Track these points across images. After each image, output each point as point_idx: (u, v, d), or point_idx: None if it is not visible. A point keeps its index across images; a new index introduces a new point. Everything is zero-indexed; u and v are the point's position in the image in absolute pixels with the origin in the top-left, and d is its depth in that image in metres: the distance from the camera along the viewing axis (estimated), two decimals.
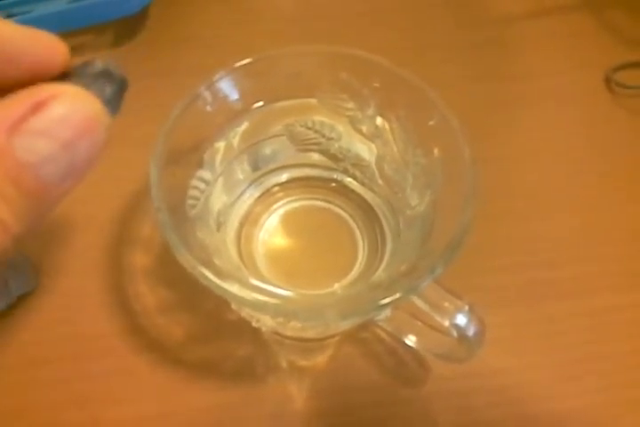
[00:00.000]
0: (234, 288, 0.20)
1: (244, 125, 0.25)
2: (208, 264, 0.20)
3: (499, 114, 0.33)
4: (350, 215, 0.27)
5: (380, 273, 0.25)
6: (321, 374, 0.26)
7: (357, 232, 0.27)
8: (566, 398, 0.26)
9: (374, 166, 0.26)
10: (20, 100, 0.11)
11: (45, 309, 0.27)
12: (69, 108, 0.11)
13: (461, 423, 0.26)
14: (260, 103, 0.25)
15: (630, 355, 0.27)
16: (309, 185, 0.27)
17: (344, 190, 0.27)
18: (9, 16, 0.32)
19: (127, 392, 0.26)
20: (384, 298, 0.20)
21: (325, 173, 0.27)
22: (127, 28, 0.35)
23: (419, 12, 0.36)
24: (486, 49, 0.35)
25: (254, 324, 0.24)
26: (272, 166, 0.27)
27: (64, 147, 0.11)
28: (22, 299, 0.27)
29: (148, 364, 0.26)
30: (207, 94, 0.23)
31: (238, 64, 0.23)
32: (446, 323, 0.21)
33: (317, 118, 0.26)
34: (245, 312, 0.23)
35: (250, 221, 0.26)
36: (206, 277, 0.19)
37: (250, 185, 0.27)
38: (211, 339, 0.27)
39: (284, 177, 0.27)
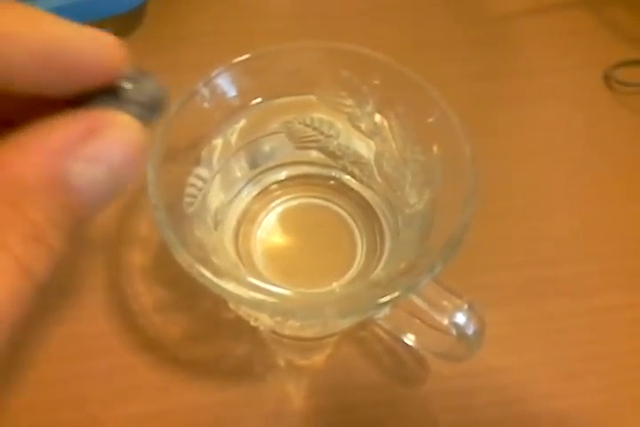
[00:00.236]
0: (231, 287, 0.20)
1: (242, 122, 0.25)
2: (205, 263, 0.20)
3: (498, 112, 0.33)
4: (349, 213, 0.27)
5: (378, 272, 0.24)
6: (319, 373, 0.26)
7: (356, 230, 0.27)
8: (566, 396, 0.26)
9: (373, 164, 0.26)
10: (76, 124, 0.11)
11: (43, 308, 0.27)
12: (120, 138, 0.12)
13: (461, 422, 0.25)
14: (259, 100, 0.25)
15: (631, 354, 0.27)
16: (308, 183, 0.27)
17: (343, 188, 0.27)
18: None
19: (126, 391, 0.25)
20: (383, 297, 0.19)
21: (324, 171, 0.27)
22: (125, 24, 0.35)
23: (418, 10, 0.36)
24: (486, 46, 0.35)
25: (252, 323, 0.24)
26: (270, 164, 0.27)
27: (110, 172, 0.12)
28: None
29: (147, 363, 0.26)
30: (205, 91, 0.23)
31: (236, 60, 0.23)
32: (445, 322, 0.21)
33: (316, 115, 0.26)
34: (243, 311, 0.23)
35: (248, 219, 0.26)
36: (203, 276, 0.19)
37: (248, 183, 0.26)
38: (209, 338, 0.26)
39: (282, 175, 0.27)
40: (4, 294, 0.10)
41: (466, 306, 0.21)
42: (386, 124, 0.25)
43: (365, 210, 0.27)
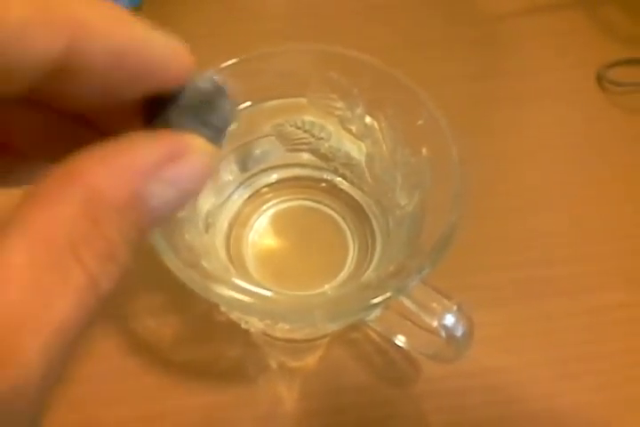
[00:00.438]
0: (221, 291, 0.20)
1: (233, 125, 0.25)
2: (195, 267, 0.20)
3: (492, 112, 0.33)
4: (340, 215, 0.27)
5: (369, 273, 0.25)
6: (312, 375, 0.26)
7: (348, 232, 0.27)
8: (562, 396, 0.26)
9: (364, 166, 0.26)
10: (161, 147, 0.12)
11: None
12: (198, 163, 0.12)
13: (454, 423, 0.26)
14: (249, 103, 0.25)
15: (626, 353, 0.27)
16: (299, 185, 0.27)
17: (334, 190, 0.27)
18: None
19: (118, 394, 0.26)
20: (372, 299, 0.20)
21: (315, 173, 0.27)
22: None
23: (413, 10, 0.36)
24: (480, 47, 0.35)
25: (243, 325, 0.24)
26: (261, 167, 0.27)
27: (183, 195, 0.12)
28: None
29: (139, 366, 0.26)
30: None
31: (225, 64, 0.23)
32: (434, 324, 0.21)
33: (307, 118, 0.26)
34: (234, 314, 0.23)
35: (239, 222, 0.26)
36: (193, 280, 0.19)
37: (239, 186, 0.26)
38: (201, 341, 0.26)
39: (273, 177, 0.27)
40: (72, 307, 0.10)
41: (455, 308, 0.21)
42: (376, 126, 0.25)
43: (357, 212, 0.27)
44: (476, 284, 0.27)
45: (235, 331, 0.26)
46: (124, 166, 0.11)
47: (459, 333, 0.21)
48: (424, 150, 0.23)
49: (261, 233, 0.27)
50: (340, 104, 0.25)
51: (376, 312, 0.23)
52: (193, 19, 0.36)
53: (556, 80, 0.34)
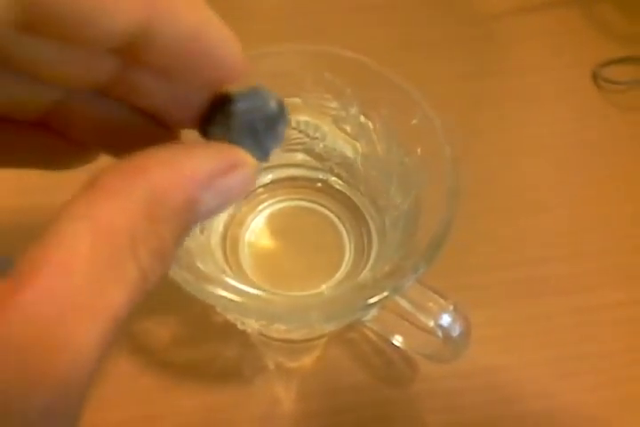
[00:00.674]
0: (216, 292, 0.20)
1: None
2: (190, 268, 0.20)
3: (487, 111, 0.33)
4: (336, 215, 0.27)
5: (366, 273, 0.25)
6: (309, 376, 0.26)
7: (344, 232, 0.27)
8: (557, 395, 0.26)
9: (359, 165, 0.26)
10: (221, 160, 0.13)
11: None
12: (246, 179, 0.13)
13: (451, 423, 0.26)
14: None
15: (623, 353, 0.27)
16: (294, 185, 0.27)
17: (329, 190, 0.27)
18: None
19: (115, 395, 0.25)
20: (367, 299, 0.20)
21: (310, 173, 0.27)
22: None
23: (407, 10, 0.36)
24: (475, 46, 0.35)
25: (240, 326, 0.24)
26: None
27: (224, 204, 0.13)
28: None
29: (136, 367, 0.26)
30: None
31: None
32: (431, 323, 0.21)
33: (301, 118, 0.26)
34: (230, 315, 0.23)
35: (235, 222, 0.26)
36: (188, 282, 0.19)
37: None
38: (198, 341, 0.26)
39: (268, 178, 0.27)
40: (124, 299, 0.11)
41: (451, 307, 0.21)
42: (371, 125, 0.25)
43: (352, 212, 0.27)
44: (472, 283, 0.27)
45: (231, 332, 0.26)
46: (185, 172, 0.12)
47: (455, 332, 0.21)
48: (419, 150, 0.23)
49: (257, 234, 0.26)
50: (334, 104, 0.25)
51: (373, 312, 0.23)
52: None
53: (552, 79, 0.34)
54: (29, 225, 0.28)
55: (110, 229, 0.11)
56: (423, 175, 0.23)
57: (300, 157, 0.26)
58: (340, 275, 0.25)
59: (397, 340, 0.24)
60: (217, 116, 0.14)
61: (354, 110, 0.25)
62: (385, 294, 0.20)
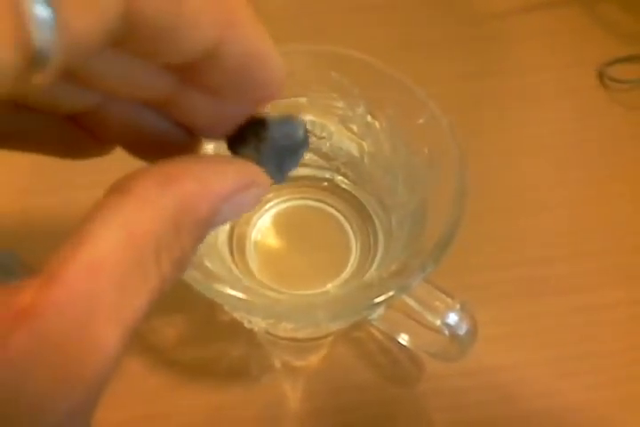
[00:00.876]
0: (224, 290, 0.20)
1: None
2: (198, 267, 0.20)
3: (491, 110, 0.33)
4: (343, 214, 0.27)
5: (372, 272, 0.25)
6: (315, 374, 0.26)
7: (350, 231, 0.27)
8: (562, 394, 0.26)
9: (366, 165, 0.26)
10: (243, 177, 0.13)
11: None
12: (260, 196, 0.14)
13: (456, 421, 0.26)
14: None
15: (625, 351, 0.27)
16: (301, 185, 0.27)
17: (336, 189, 0.27)
18: None
19: (122, 394, 0.25)
20: (375, 298, 0.20)
21: (317, 172, 0.27)
22: None
23: (410, 10, 0.36)
24: (479, 45, 0.35)
25: (246, 325, 0.24)
26: None
27: (236, 216, 0.14)
28: None
29: (142, 366, 0.26)
30: None
31: None
32: (438, 322, 0.21)
33: (308, 118, 0.26)
34: (237, 314, 0.23)
35: (241, 221, 0.26)
36: (196, 280, 0.19)
37: None
38: (204, 340, 0.27)
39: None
40: (144, 305, 0.11)
41: (458, 306, 0.21)
42: (377, 125, 0.25)
43: (359, 211, 0.27)
44: (476, 282, 0.27)
45: (238, 330, 0.26)
46: (213, 186, 0.12)
47: (462, 331, 0.21)
48: (425, 149, 0.23)
49: (264, 233, 0.27)
50: (340, 104, 0.25)
51: (379, 311, 0.23)
52: None
53: (557, 78, 0.34)
54: (29, 225, 0.29)
55: (139, 235, 0.11)
56: (430, 175, 0.23)
57: (306, 156, 0.26)
58: (346, 274, 0.26)
59: (403, 338, 0.24)
60: (249, 137, 0.15)
61: (360, 110, 0.25)
62: (392, 293, 0.20)
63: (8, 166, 0.30)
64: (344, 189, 0.27)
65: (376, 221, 0.26)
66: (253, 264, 0.25)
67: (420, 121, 0.23)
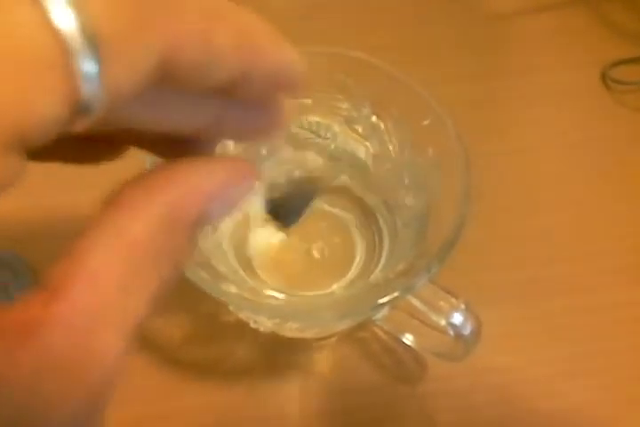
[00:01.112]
0: (230, 291, 0.20)
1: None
2: (205, 267, 0.20)
3: (496, 111, 0.33)
4: (348, 215, 0.27)
5: (377, 273, 0.25)
6: (319, 375, 0.26)
7: (355, 232, 0.27)
8: (566, 395, 0.26)
9: (370, 166, 0.26)
10: (225, 173, 0.13)
11: None
12: (248, 188, 0.14)
13: (461, 422, 0.26)
14: None
15: (628, 352, 0.27)
16: None
17: (341, 190, 0.27)
18: None
19: (126, 393, 0.25)
20: (380, 298, 0.20)
21: (322, 173, 0.27)
22: None
23: (416, 11, 0.36)
24: (484, 47, 0.35)
25: (252, 325, 0.24)
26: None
27: (227, 213, 0.13)
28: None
29: (147, 365, 0.26)
30: None
31: None
32: (442, 322, 0.21)
33: (313, 119, 0.26)
34: (243, 314, 0.23)
35: (246, 223, 0.26)
36: (203, 280, 0.19)
37: None
38: (209, 340, 0.27)
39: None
40: (145, 308, 0.12)
41: (462, 306, 0.21)
42: (382, 126, 0.25)
43: (364, 212, 0.27)
44: (481, 283, 0.27)
45: (243, 331, 0.26)
46: (200, 186, 0.13)
47: (467, 331, 0.21)
48: (430, 150, 0.23)
49: (268, 234, 0.27)
50: (345, 105, 0.25)
51: (384, 311, 0.24)
52: None
53: (561, 79, 0.34)
54: (30, 225, 0.29)
55: (134, 244, 0.11)
56: (435, 176, 0.23)
57: (311, 157, 0.27)
58: (351, 274, 0.26)
59: (408, 339, 0.25)
60: (280, 189, 0.15)
61: (365, 111, 0.25)
62: (397, 293, 0.20)
63: None
64: (349, 189, 0.27)
65: (381, 222, 0.26)
66: (258, 265, 0.26)
67: (425, 122, 0.23)
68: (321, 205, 0.27)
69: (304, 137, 0.26)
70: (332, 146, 0.26)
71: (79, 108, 0.10)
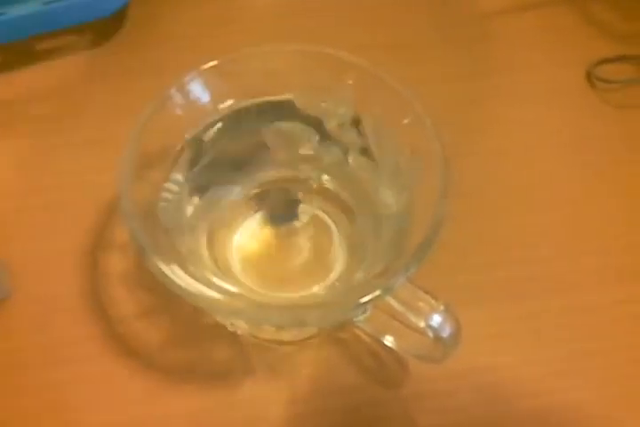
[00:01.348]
0: (207, 294, 0.20)
1: (219, 125, 0.25)
2: (180, 270, 0.20)
3: (480, 110, 0.33)
4: (329, 216, 0.27)
5: (359, 274, 0.24)
6: (300, 377, 0.26)
7: (336, 233, 0.26)
8: (551, 395, 0.26)
9: (351, 165, 0.26)
10: None
11: (21, 314, 0.27)
12: None
13: (444, 424, 0.25)
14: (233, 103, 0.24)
15: (615, 351, 0.27)
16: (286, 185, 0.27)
17: (321, 190, 0.27)
18: None
19: (104, 398, 0.25)
20: (359, 298, 0.19)
21: (302, 173, 0.27)
22: (106, 28, 0.35)
23: (399, 9, 0.36)
24: (467, 45, 0.35)
25: (229, 328, 0.24)
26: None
27: None
28: None
29: (125, 369, 0.26)
30: (178, 96, 0.23)
31: (208, 65, 0.23)
32: (422, 324, 0.21)
33: None
34: (220, 317, 0.23)
35: (224, 224, 0.26)
36: (177, 286, 0.19)
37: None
38: (188, 343, 0.26)
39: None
40: None
41: (442, 307, 0.21)
42: (362, 124, 0.25)
43: (345, 212, 0.27)
44: (463, 283, 0.27)
45: (222, 333, 0.26)
46: None
47: (445, 333, 0.21)
48: (410, 150, 0.23)
49: (247, 234, 0.26)
50: (325, 103, 0.25)
51: (365, 313, 0.23)
52: (179, 19, 0.36)
53: (545, 78, 0.34)
54: (30, 225, 0.28)
55: None
56: (415, 175, 0.23)
57: (291, 156, 0.26)
58: (332, 276, 0.25)
59: (388, 340, 0.24)
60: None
61: (345, 109, 0.25)
62: (376, 293, 0.20)
63: None
64: (330, 190, 0.27)
65: (362, 223, 0.26)
66: (236, 267, 0.25)
67: (405, 121, 0.23)
68: (301, 205, 0.27)
69: None
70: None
71: None
